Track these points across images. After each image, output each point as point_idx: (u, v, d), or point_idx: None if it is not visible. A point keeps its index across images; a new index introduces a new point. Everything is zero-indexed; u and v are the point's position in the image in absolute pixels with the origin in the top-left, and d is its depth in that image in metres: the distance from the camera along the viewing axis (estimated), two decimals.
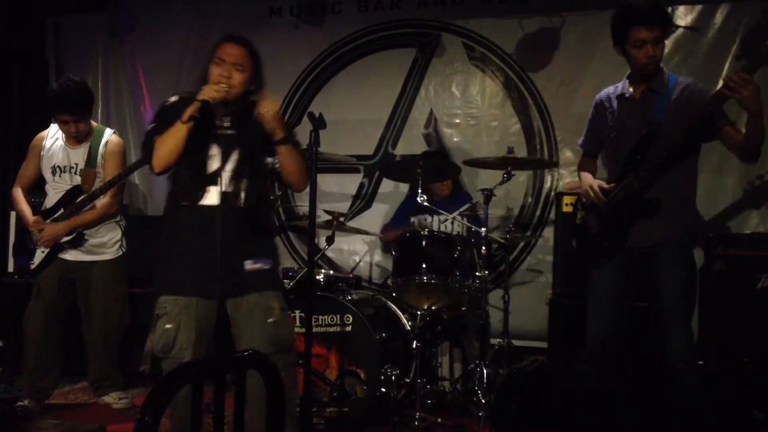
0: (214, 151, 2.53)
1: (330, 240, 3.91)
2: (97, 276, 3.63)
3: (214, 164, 2.53)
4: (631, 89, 2.84)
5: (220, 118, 2.48)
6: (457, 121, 4.77)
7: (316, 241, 3.25)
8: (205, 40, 5.17)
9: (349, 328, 3.38)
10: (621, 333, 2.83)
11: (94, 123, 3.70)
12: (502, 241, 3.91)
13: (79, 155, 3.61)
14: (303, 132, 2.73)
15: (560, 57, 4.54)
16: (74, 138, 3.60)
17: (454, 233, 3.92)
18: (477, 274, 3.63)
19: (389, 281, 3.99)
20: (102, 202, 3.59)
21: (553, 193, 4.47)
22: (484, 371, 3.47)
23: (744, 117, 2.63)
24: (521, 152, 4.48)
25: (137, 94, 5.40)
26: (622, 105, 2.86)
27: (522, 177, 4.60)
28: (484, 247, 3.55)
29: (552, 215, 4.38)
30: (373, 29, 4.92)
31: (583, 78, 4.45)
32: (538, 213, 4.60)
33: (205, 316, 2.53)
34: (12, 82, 4.91)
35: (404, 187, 4.67)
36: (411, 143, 4.83)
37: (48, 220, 3.55)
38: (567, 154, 4.52)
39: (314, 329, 3.25)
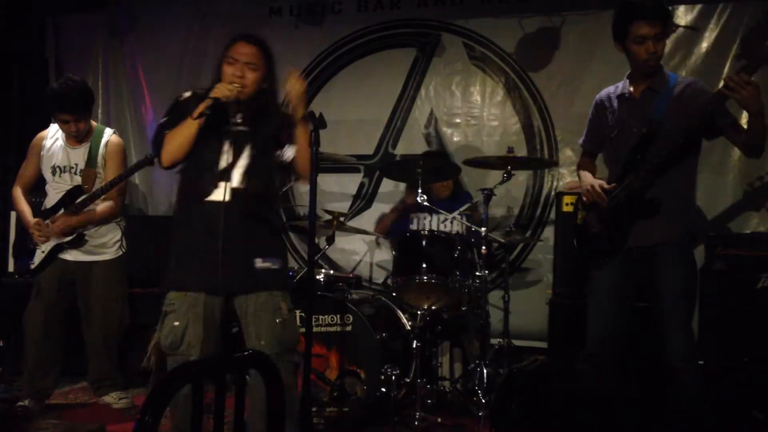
0: (226, 148, 2.54)
1: (330, 240, 3.91)
2: (97, 276, 3.62)
3: (224, 161, 2.53)
4: (631, 89, 2.84)
5: (233, 116, 2.49)
6: (457, 121, 4.77)
7: (316, 240, 3.25)
8: (205, 40, 5.19)
9: (349, 328, 3.38)
10: (621, 333, 2.83)
11: (94, 123, 3.70)
12: (503, 240, 3.91)
13: (79, 155, 3.61)
14: None
15: (560, 57, 4.54)
16: (74, 138, 3.59)
17: (454, 233, 3.92)
18: (477, 273, 3.63)
19: (389, 281, 3.99)
20: (107, 203, 3.60)
21: (553, 193, 4.48)
22: (484, 371, 3.47)
23: (745, 116, 2.63)
24: (521, 152, 4.49)
25: (137, 94, 5.40)
26: (623, 105, 2.86)
27: (522, 177, 4.60)
28: (484, 247, 3.55)
29: (552, 215, 4.38)
30: (373, 29, 4.93)
31: (583, 78, 4.45)
32: (538, 213, 4.60)
33: (212, 313, 2.54)
34: (12, 82, 4.91)
35: (404, 187, 4.67)
36: (411, 143, 4.84)
37: (47, 220, 3.55)
38: (567, 154, 4.52)
39: (314, 329, 3.25)
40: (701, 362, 2.92)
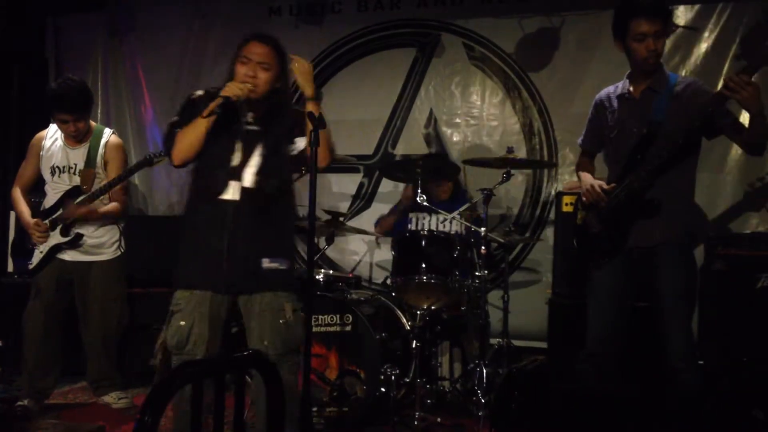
0: (237, 148, 2.54)
1: (330, 240, 3.91)
2: (95, 276, 3.62)
3: (236, 160, 2.53)
4: (631, 88, 2.84)
5: (244, 115, 2.50)
6: (457, 121, 4.77)
7: (315, 241, 3.24)
8: (205, 40, 5.19)
9: (349, 328, 3.38)
10: (621, 333, 2.83)
11: (93, 123, 3.70)
12: (502, 240, 3.91)
13: (78, 155, 3.61)
14: None
15: (560, 57, 4.54)
16: (73, 138, 3.59)
17: (454, 233, 3.92)
18: (476, 273, 3.63)
19: (389, 281, 3.99)
20: (113, 204, 3.60)
21: (552, 193, 4.48)
22: (484, 371, 3.47)
23: (745, 114, 2.63)
24: (521, 152, 4.49)
25: (137, 93, 5.40)
26: (623, 105, 2.85)
27: (521, 177, 4.60)
28: (483, 247, 3.55)
29: (552, 215, 4.38)
30: (372, 29, 4.93)
31: (582, 78, 4.45)
32: (537, 213, 4.60)
33: (218, 311, 2.55)
34: (12, 82, 4.90)
35: (404, 186, 4.67)
36: (411, 143, 4.84)
37: (47, 221, 3.54)
38: (567, 154, 4.52)
39: (314, 329, 3.25)
40: (701, 362, 2.92)
